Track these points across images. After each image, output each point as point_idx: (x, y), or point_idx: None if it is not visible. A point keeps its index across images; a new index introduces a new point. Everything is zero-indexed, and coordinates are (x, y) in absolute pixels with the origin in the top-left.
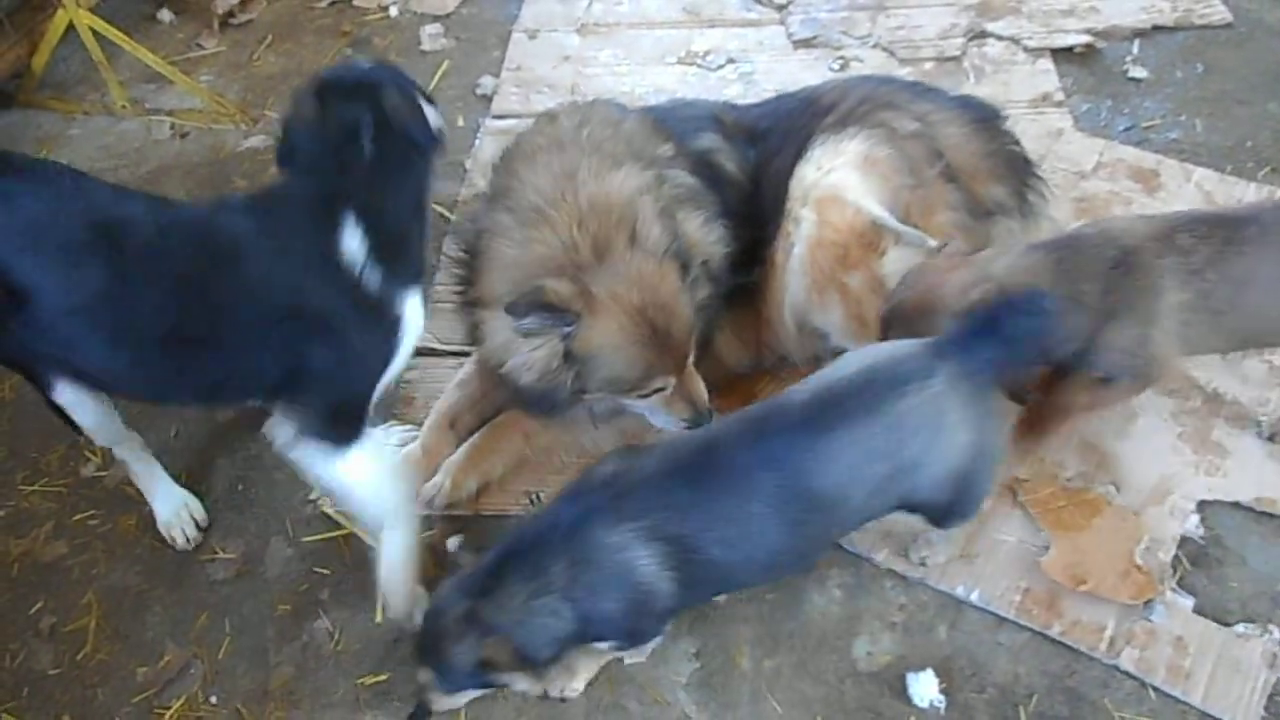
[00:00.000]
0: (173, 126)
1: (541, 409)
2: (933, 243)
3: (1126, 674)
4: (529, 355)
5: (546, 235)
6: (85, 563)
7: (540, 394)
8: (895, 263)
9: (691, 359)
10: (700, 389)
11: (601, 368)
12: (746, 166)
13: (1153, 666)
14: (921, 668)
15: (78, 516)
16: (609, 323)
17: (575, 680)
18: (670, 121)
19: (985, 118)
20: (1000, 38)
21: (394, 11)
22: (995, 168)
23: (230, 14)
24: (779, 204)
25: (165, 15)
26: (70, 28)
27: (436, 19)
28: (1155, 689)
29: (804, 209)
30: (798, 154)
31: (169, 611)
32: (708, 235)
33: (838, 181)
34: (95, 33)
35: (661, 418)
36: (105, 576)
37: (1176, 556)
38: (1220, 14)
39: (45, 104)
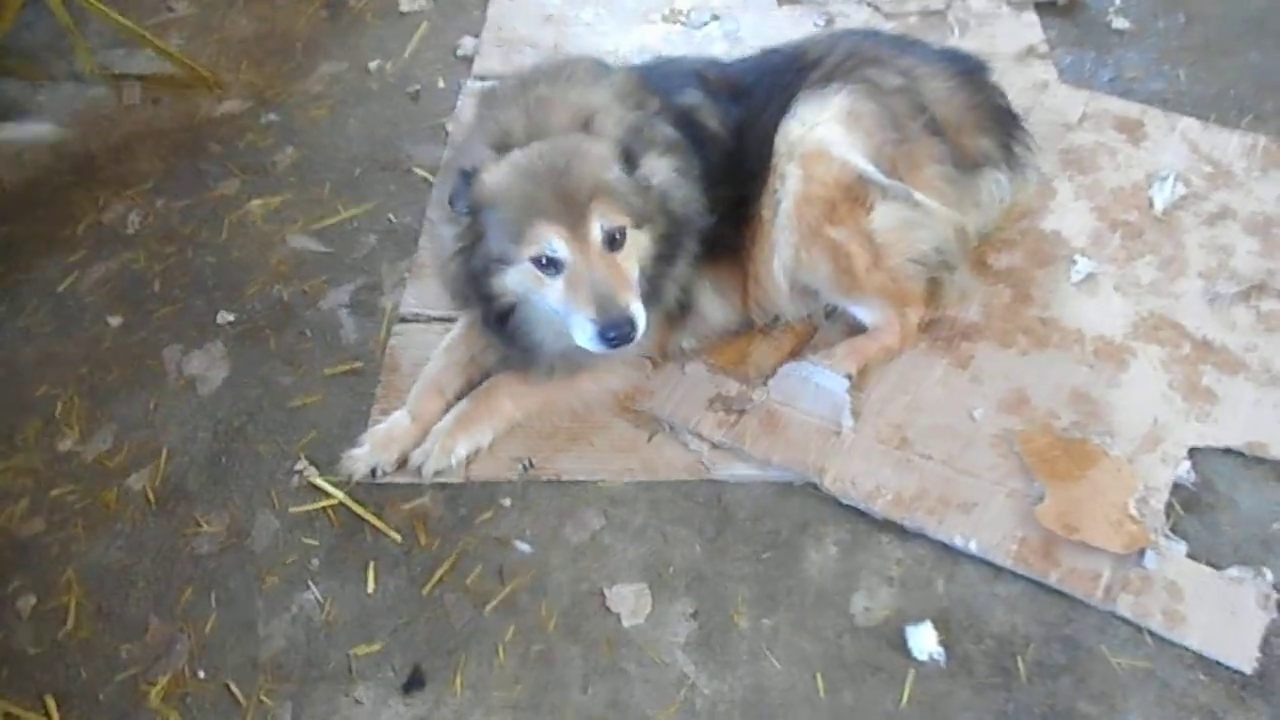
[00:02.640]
0: (144, 92)
1: (490, 327)
2: (919, 197)
3: (1123, 620)
4: (449, 231)
5: (493, 128)
6: (64, 539)
7: (456, 281)
8: (882, 218)
9: (595, 236)
10: (609, 280)
11: (492, 218)
12: (730, 123)
13: (1148, 612)
14: (919, 621)
15: (55, 492)
16: (504, 166)
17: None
18: (654, 78)
19: (970, 70)
20: None
21: None
22: (981, 120)
23: None
24: (764, 160)
25: None
26: None
27: None
28: (1152, 634)
29: (790, 165)
30: (783, 110)
31: (152, 587)
32: (675, 181)
33: (823, 137)
34: None
35: (575, 319)
36: (85, 553)
37: (1169, 503)
38: None
39: (11, 71)
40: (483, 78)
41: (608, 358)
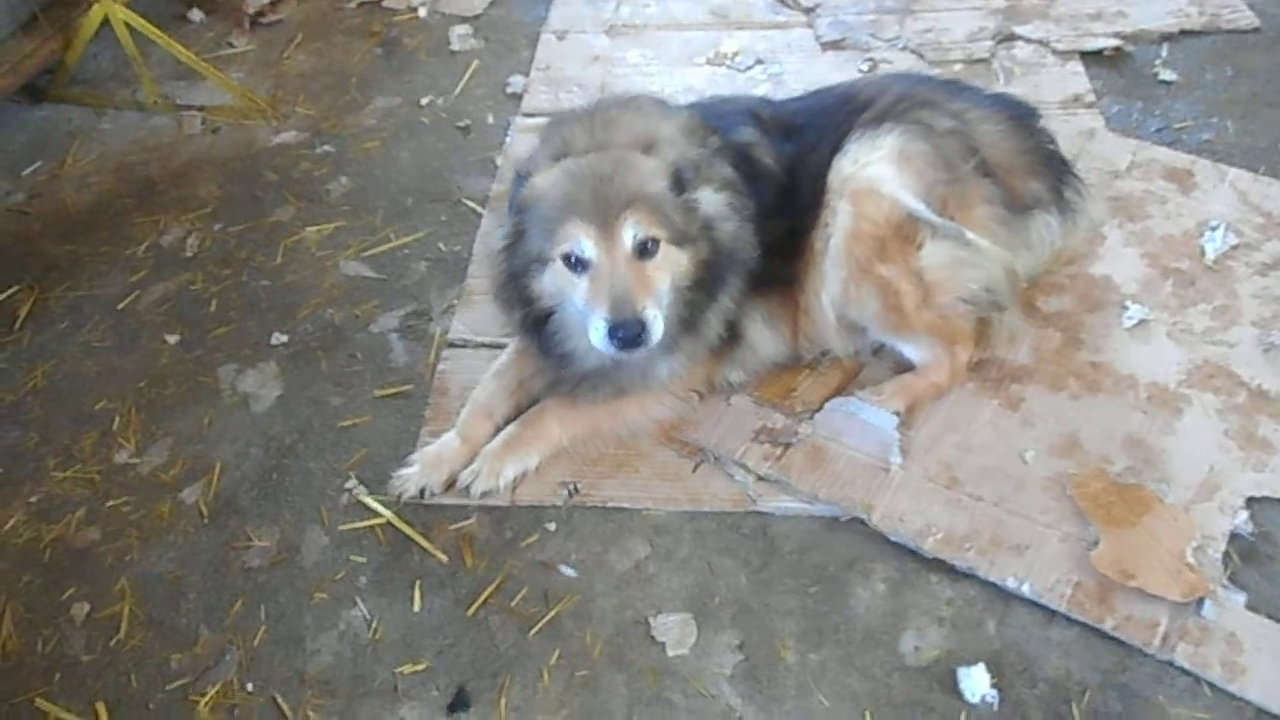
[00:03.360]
0: (204, 122)
1: (528, 334)
2: (970, 236)
3: (1180, 670)
4: (499, 232)
5: (557, 141)
6: (118, 549)
7: (499, 282)
8: (932, 255)
9: (625, 240)
10: (629, 283)
11: (534, 216)
12: (783, 160)
13: (1207, 663)
14: (971, 662)
15: (111, 503)
16: (555, 171)
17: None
18: (712, 116)
19: (1021, 115)
20: (1029, 40)
21: (423, 13)
22: (1032, 164)
23: (260, 14)
24: (817, 196)
25: (196, 15)
26: (104, 23)
27: (465, 20)
28: (1210, 685)
29: (841, 201)
30: (835, 148)
31: (203, 599)
32: (725, 214)
33: (874, 175)
34: (129, 28)
35: (592, 318)
36: (138, 563)
37: (1226, 553)
38: (1247, 19)
39: (77, 99)
40: (531, 114)
41: (654, 387)
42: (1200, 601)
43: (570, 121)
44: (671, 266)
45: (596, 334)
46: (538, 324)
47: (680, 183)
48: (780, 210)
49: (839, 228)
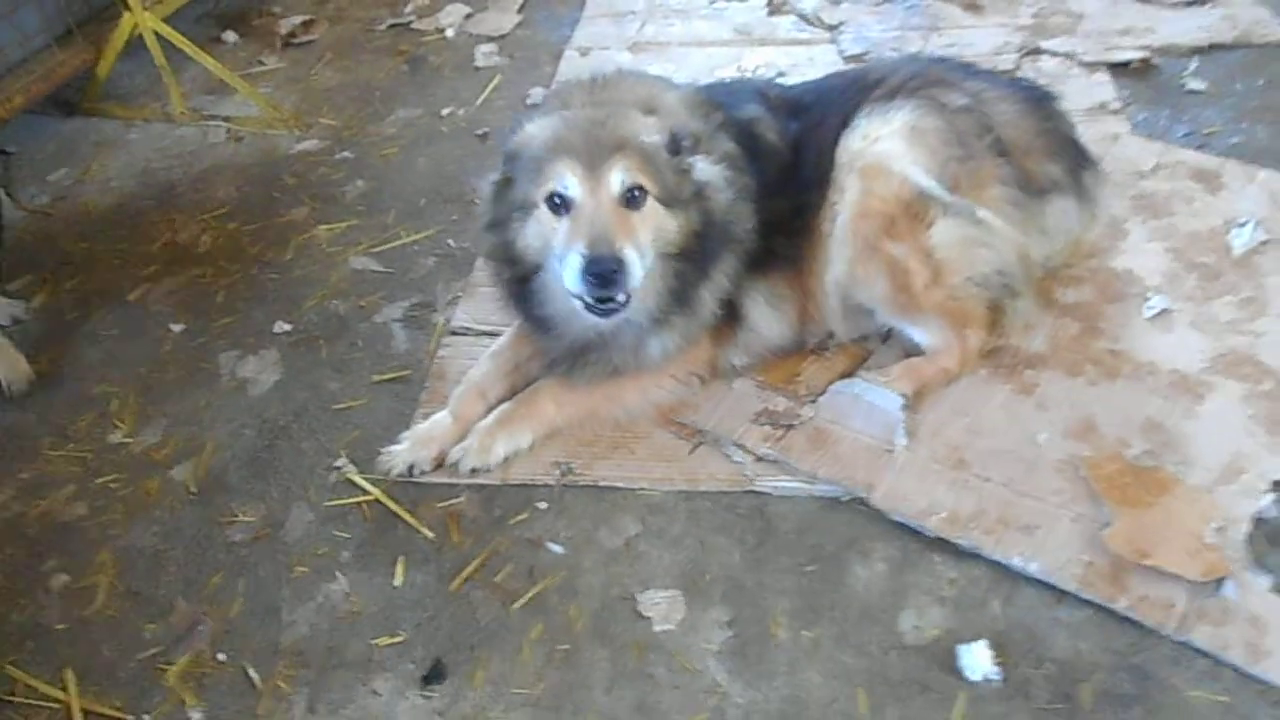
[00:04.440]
0: (228, 131)
1: (511, 294)
2: (983, 214)
3: (1198, 652)
4: (489, 179)
5: (555, 102)
6: (104, 523)
7: (487, 234)
8: (943, 234)
9: (611, 184)
10: (611, 223)
11: (522, 162)
12: (788, 137)
13: (1228, 644)
14: (973, 640)
15: (100, 480)
16: (544, 120)
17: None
18: (718, 93)
19: (1039, 98)
20: (1055, 54)
21: (450, 33)
22: (1050, 146)
23: (292, 35)
24: (823, 173)
25: (230, 36)
26: (135, 37)
27: (491, 39)
28: (1232, 668)
29: (849, 178)
30: (843, 124)
31: (183, 571)
32: (721, 185)
33: (884, 151)
34: (160, 40)
35: (568, 258)
36: (123, 537)
37: (1251, 535)
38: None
39: (107, 111)
40: None
41: (649, 366)
42: (1220, 582)
43: (571, 86)
44: (658, 224)
45: (571, 274)
46: (521, 284)
47: (676, 144)
48: (784, 188)
49: (846, 204)
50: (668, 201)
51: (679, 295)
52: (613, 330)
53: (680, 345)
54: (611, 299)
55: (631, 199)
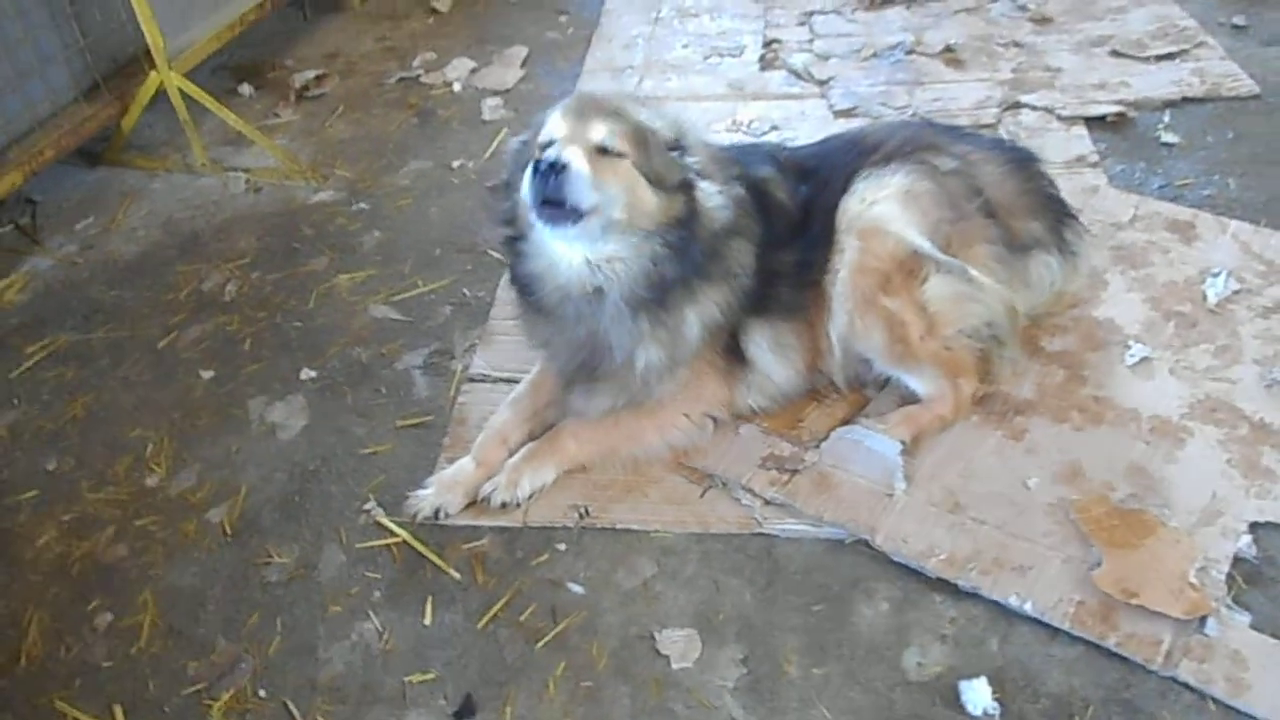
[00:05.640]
0: (248, 182)
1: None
2: (973, 272)
3: (1184, 687)
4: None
5: None
6: (144, 564)
7: (498, 206)
8: (936, 289)
9: (590, 135)
10: (569, 150)
11: (539, 123)
12: (797, 198)
13: (1212, 679)
14: (974, 677)
15: (139, 522)
16: (556, 110)
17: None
18: (736, 154)
19: (1022, 159)
20: (1034, 108)
21: (457, 87)
22: (1032, 205)
23: (306, 88)
24: (827, 233)
25: (245, 89)
26: (159, 92)
27: (497, 94)
28: (1216, 701)
29: (848, 238)
30: (844, 188)
31: (222, 610)
32: (721, 205)
33: (880, 214)
34: (183, 95)
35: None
36: (163, 578)
37: (1230, 575)
38: (1248, 86)
39: (131, 162)
40: None
41: (639, 381)
42: (1203, 620)
43: None
44: (630, 185)
45: (526, 183)
46: (515, 243)
47: (677, 145)
48: (791, 243)
49: (846, 262)
50: (649, 178)
51: (658, 290)
52: (593, 312)
53: (669, 365)
54: (560, 203)
55: (606, 151)
